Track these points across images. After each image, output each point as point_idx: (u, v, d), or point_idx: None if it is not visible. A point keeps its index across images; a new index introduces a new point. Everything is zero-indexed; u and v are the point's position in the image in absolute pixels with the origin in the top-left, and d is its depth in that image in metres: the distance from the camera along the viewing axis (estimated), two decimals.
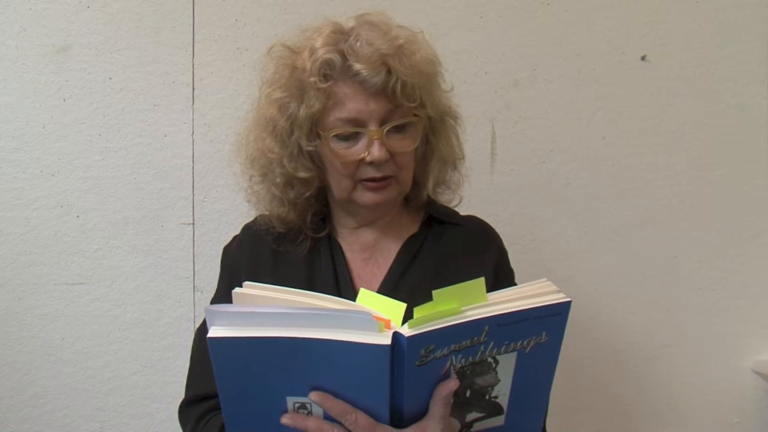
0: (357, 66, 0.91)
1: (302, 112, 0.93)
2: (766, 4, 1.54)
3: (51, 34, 1.38)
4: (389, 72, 0.91)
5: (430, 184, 1.03)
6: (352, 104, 0.92)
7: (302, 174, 0.98)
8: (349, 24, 0.97)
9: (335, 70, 0.92)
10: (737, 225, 1.55)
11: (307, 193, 1.00)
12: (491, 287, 0.99)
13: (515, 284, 1.06)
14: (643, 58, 1.51)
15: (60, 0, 1.38)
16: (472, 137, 1.44)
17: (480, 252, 1.04)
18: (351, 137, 0.94)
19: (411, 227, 1.06)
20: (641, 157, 1.52)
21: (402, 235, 1.04)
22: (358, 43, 0.92)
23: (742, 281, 1.55)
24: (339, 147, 0.94)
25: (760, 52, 1.54)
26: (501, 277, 1.03)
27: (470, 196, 1.14)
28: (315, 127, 0.95)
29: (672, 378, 1.55)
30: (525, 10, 1.49)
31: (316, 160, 0.99)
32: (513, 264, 1.09)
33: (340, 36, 0.94)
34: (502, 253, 1.07)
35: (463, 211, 1.12)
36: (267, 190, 1.02)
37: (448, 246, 1.04)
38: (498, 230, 1.10)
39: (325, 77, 0.92)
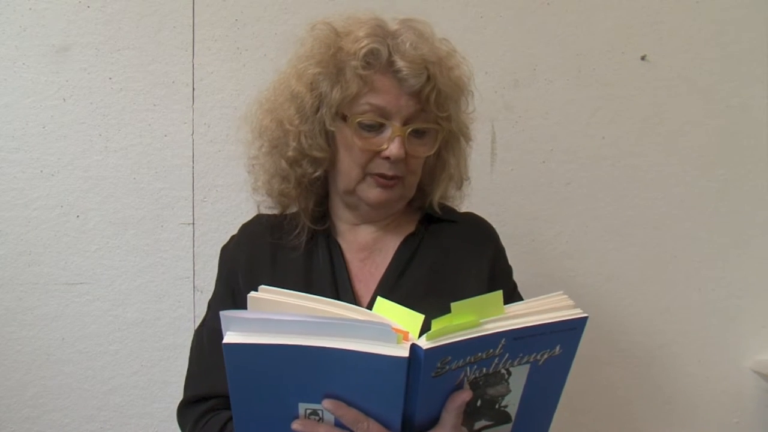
0: (401, 63, 0.93)
1: (336, 93, 0.94)
2: (766, 4, 1.54)
3: (51, 34, 1.38)
4: (428, 78, 0.94)
5: (437, 197, 1.05)
6: (386, 96, 0.94)
7: (316, 153, 0.98)
8: (393, 25, 0.98)
9: (379, 61, 0.94)
10: (737, 225, 1.55)
11: (315, 174, 1.00)
12: (488, 283, 1.00)
13: (514, 282, 1.07)
14: (643, 58, 1.51)
15: (60, 0, 1.38)
16: (473, 137, 1.44)
17: (477, 248, 1.04)
18: (375, 128, 0.95)
19: (408, 226, 1.06)
20: (641, 157, 1.52)
21: (400, 234, 1.04)
22: (407, 44, 0.94)
23: (742, 281, 1.55)
24: (361, 134, 0.95)
25: (760, 52, 1.54)
26: (498, 273, 1.03)
27: (470, 196, 1.13)
28: (341, 109, 0.95)
29: (672, 378, 1.55)
30: (525, 10, 1.49)
31: (331, 143, 0.99)
32: (513, 264, 1.09)
33: (385, 32, 0.96)
34: (499, 250, 1.07)
35: (463, 210, 1.12)
36: (274, 163, 1.02)
37: (446, 243, 1.04)
38: (498, 230, 1.10)
39: (368, 65, 0.93)
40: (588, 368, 1.52)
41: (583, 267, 1.52)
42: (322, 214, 1.05)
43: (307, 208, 1.03)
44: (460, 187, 1.08)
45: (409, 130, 0.94)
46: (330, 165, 1.01)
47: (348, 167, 0.97)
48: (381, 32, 0.95)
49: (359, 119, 0.94)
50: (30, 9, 1.37)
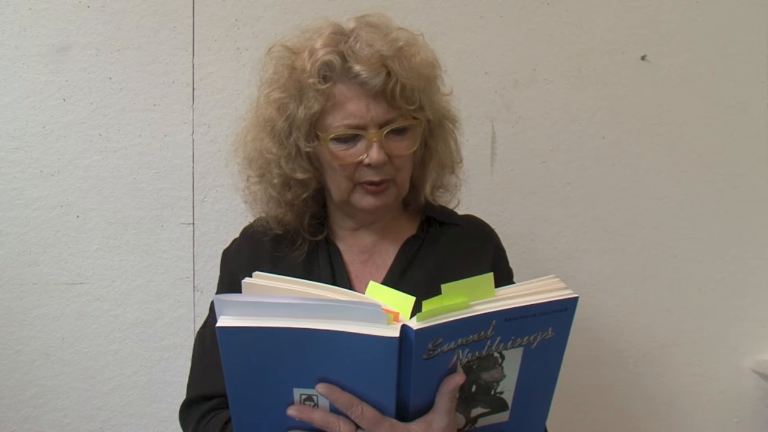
0: (357, 67, 0.91)
1: (301, 113, 0.93)
2: (766, 4, 1.54)
3: (51, 34, 1.38)
4: (389, 74, 0.91)
5: (428, 188, 1.03)
6: (352, 107, 0.92)
7: (300, 175, 0.98)
8: (349, 25, 0.97)
9: (335, 71, 0.92)
10: (737, 225, 1.55)
11: (305, 195, 1.00)
12: None
13: (514, 284, 1.07)
14: (643, 58, 1.51)
15: (60, 0, 1.38)
16: (472, 137, 1.45)
17: (478, 251, 1.04)
18: (350, 139, 0.94)
19: (409, 229, 1.06)
20: (641, 157, 1.52)
21: (400, 237, 1.04)
22: (358, 45, 0.92)
23: (742, 281, 1.55)
24: (337, 149, 0.94)
25: (760, 52, 1.54)
26: (499, 276, 1.03)
27: (470, 196, 1.14)
28: (313, 128, 0.95)
29: (672, 378, 1.55)
30: (525, 10, 1.49)
31: (314, 162, 0.99)
32: (513, 264, 1.09)
33: (340, 37, 0.94)
34: (499, 252, 1.08)
35: (463, 210, 1.12)
36: (264, 191, 1.02)
37: (446, 246, 1.04)
38: (498, 230, 1.10)
39: (325, 79, 0.92)
40: (588, 368, 1.52)
41: (583, 267, 1.52)
42: (321, 223, 1.05)
43: (304, 225, 1.03)
44: (453, 171, 1.07)
45: (385, 132, 0.93)
46: (319, 181, 1.00)
47: (336, 181, 0.97)
48: (334, 40, 0.93)
49: (332, 135, 0.93)
50: (30, 9, 1.37)
